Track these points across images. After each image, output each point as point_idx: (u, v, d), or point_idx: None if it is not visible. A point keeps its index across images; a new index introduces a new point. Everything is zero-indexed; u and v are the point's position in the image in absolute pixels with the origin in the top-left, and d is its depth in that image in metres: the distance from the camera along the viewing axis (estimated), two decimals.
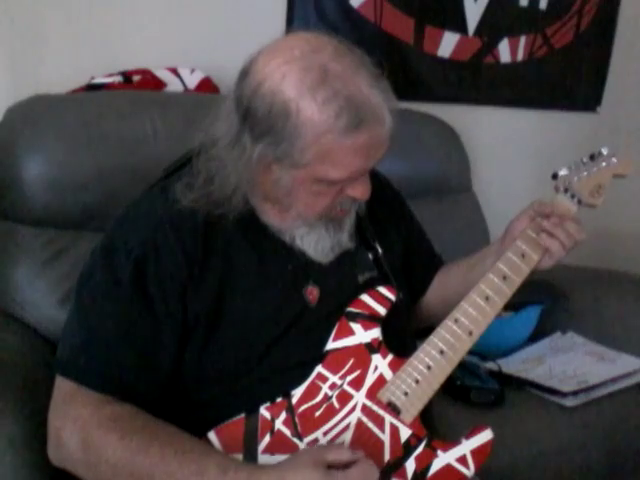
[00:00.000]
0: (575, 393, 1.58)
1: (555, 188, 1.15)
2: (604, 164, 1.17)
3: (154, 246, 1.00)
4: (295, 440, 0.99)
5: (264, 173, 1.00)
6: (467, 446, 1.02)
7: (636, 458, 1.57)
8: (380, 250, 1.16)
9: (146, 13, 1.75)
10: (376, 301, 1.08)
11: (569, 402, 1.56)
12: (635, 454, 1.57)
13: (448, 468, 1.01)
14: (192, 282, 1.00)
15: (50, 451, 1.00)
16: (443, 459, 1.01)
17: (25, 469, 1.05)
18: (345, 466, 0.89)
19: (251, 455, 0.97)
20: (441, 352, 1.03)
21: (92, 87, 1.64)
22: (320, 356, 1.03)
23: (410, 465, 1.00)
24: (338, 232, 1.07)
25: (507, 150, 2.28)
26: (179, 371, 1.03)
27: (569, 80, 2.35)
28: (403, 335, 1.14)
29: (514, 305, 1.76)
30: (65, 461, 0.99)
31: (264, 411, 0.99)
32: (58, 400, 1.00)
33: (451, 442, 1.02)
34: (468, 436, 1.03)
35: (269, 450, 0.97)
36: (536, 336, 1.83)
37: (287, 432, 0.99)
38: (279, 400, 1.00)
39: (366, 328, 1.05)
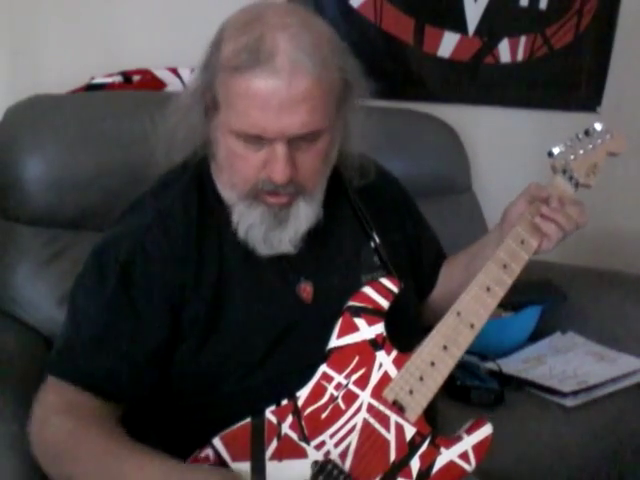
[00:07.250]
0: (575, 393, 1.58)
1: (552, 168, 1.12)
2: (599, 141, 1.16)
3: (142, 250, 1.01)
4: (302, 444, 0.96)
5: (206, 119, 1.02)
6: (468, 442, 1.01)
7: (636, 458, 1.56)
8: (378, 240, 1.14)
9: (146, 13, 1.75)
10: (379, 293, 1.05)
11: (569, 402, 1.56)
12: (635, 454, 1.57)
13: (451, 464, 1.00)
14: (187, 286, 1.01)
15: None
16: (446, 456, 1.00)
17: (25, 468, 1.05)
18: None
19: (259, 462, 0.94)
20: (444, 347, 1.02)
21: (92, 87, 1.64)
22: (324, 355, 1.01)
23: (415, 464, 0.99)
24: (274, 229, 1.03)
25: (507, 150, 2.28)
26: (174, 375, 1.02)
27: (569, 80, 2.35)
28: (407, 329, 1.11)
29: (514, 305, 1.76)
30: (33, 451, 0.98)
31: (270, 415, 0.97)
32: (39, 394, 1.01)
33: (453, 438, 1.02)
34: (469, 431, 1.02)
35: (277, 456, 0.95)
36: (536, 336, 1.83)
37: (294, 436, 0.96)
38: (285, 403, 0.98)
39: (370, 323, 1.03)
